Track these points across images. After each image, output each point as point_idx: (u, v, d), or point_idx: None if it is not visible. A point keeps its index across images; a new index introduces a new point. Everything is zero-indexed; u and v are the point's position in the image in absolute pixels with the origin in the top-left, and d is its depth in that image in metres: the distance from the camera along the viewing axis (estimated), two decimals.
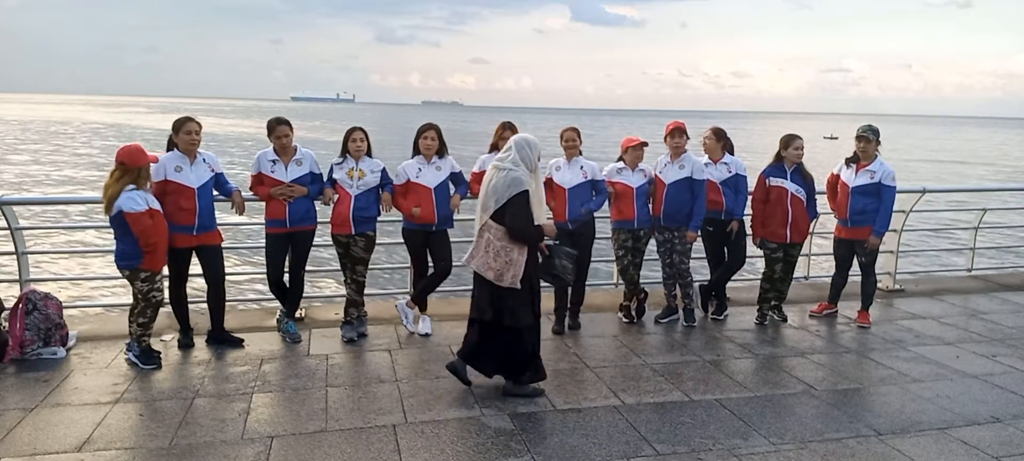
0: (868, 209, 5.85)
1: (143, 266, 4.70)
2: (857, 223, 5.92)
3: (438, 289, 5.75)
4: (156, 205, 4.70)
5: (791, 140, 5.93)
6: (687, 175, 5.71)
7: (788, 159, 5.89)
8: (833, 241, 6.29)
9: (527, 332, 4.37)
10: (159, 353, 4.93)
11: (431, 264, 5.63)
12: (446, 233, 5.60)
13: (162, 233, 4.71)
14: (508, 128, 5.68)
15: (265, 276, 5.52)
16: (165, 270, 4.98)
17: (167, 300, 5.06)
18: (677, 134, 5.78)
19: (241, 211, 5.39)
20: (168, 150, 5.06)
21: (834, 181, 6.18)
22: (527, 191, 4.15)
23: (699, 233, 5.85)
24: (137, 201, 4.57)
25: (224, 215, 5.53)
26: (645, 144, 5.82)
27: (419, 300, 5.68)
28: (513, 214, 4.12)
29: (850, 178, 5.95)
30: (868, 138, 5.88)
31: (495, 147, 5.67)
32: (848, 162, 6.04)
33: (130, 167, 4.60)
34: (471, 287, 4.49)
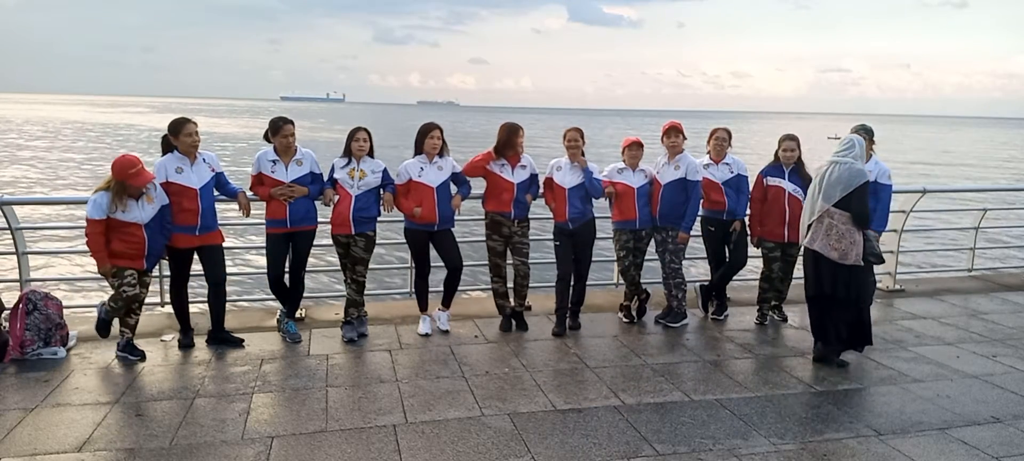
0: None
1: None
2: None
3: (431, 289, 5.74)
4: (133, 217, 4.68)
5: (783, 140, 5.95)
6: (682, 176, 5.71)
7: (782, 159, 5.90)
8: None
9: (863, 304, 5.05)
10: (140, 353, 4.94)
11: (441, 265, 5.63)
12: (451, 232, 5.60)
13: (117, 239, 4.72)
14: (521, 129, 5.67)
15: (266, 276, 5.52)
16: (163, 269, 4.99)
17: (167, 299, 5.05)
18: (673, 134, 5.78)
19: (247, 212, 5.40)
20: (164, 153, 5.06)
21: None
22: (868, 181, 4.85)
23: (691, 234, 5.85)
24: (98, 208, 4.64)
25: (223, 218, 5.53)
26: (639, 143, 5.83)
27: (445, 301, 5.73)
28: (859, 200, 4.79)
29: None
30: (863, 138, 5.89)
31: (510, 146, 5.61)
32: None
33: (113, 177, 4.66)
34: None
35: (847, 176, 4.83)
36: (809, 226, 5.06)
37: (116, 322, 4.98)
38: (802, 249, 5.21)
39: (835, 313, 5.03)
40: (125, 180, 4.63)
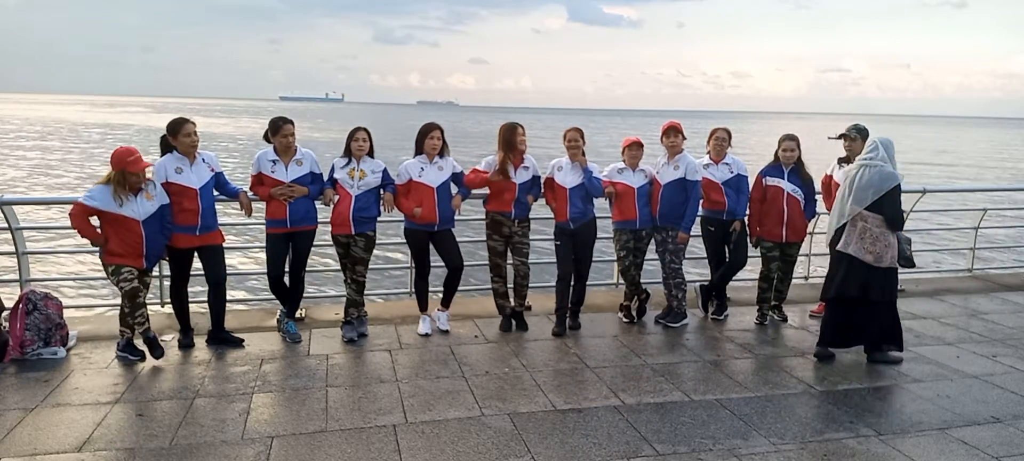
0: None
1: (104, 260, 4.77)
2: None
3: (431, 290, 5.74)
4: (126, 211, 4.67)
5: (782, 140, 5.95)
6: (681, 176, 5.71)
7: (781, 159, 5.91)
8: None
9: (894, 305, 5.12)
10: (140, 354, 4.92)
11: (441, 265, 5.63)
12: (451, 232, 5.60)
13: (115, 237, 4.70)
14: (520, 126, 5.67)
15: (265, 276, 5.52)
16: (163, 269, 4.99)
17: (167, 299, 5.05)
18: (672, 134, 5.78)
19: (249, 212, 5.40)
20: (162, 153, 5.06)
21: (828, 181, 6.18)
22: (900, 184, 4.88)
23: (690, 234, 5.85)
24: (91, 197, 4.65)
25: (223, 218, 5.52)
26: (639, 143, 5.83)
27: (444, 301, 5.73)
28: (892, 203, 4.85)
29: (841, 178, 5.96)
30: (853, 137, 5.91)
31: (511, 147, 5.58)
32: (840, 162, 6.06)
33: (113, 168, 4.68)
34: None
35: (878, 179, 4.85)
36: (840, 230, 5.08)
37: (120, 321, 4.94)
38: (833, 252, 5.20)
39: (865, 316, 5.04)
40: (125, 168, 4.63)
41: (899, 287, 7.23)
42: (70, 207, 4.77)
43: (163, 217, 4.89)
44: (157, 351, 4.83)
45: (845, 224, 5.03)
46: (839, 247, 5.08)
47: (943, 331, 6.00)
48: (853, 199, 4.93)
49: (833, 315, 5.17)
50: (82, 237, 4.73)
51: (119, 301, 4.85)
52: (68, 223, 4.77)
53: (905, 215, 7.25)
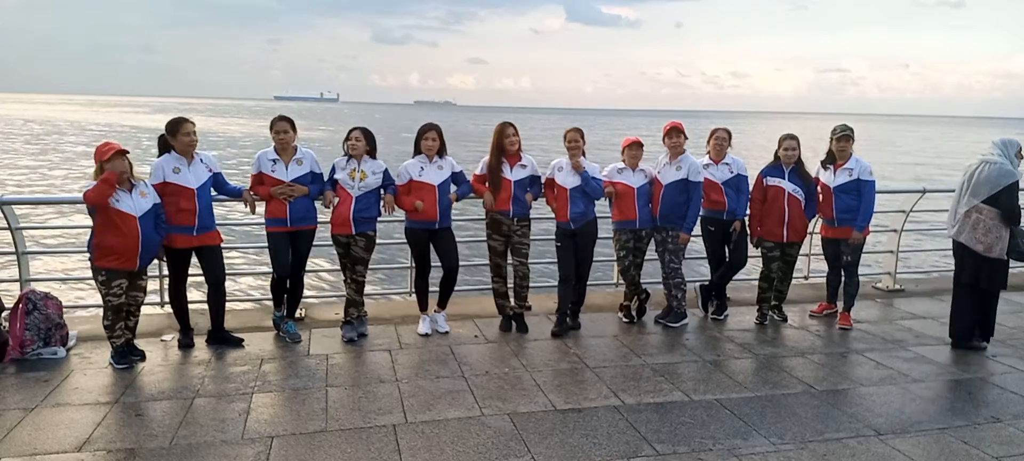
0: (853, 207, 5.84)
1: (94, 261, 4.67)
2: (843, 222, 5.90)
3: (431, 289, 5.74)
4: (123, 205, 4.60)
5: (783, 140, 5.95)
6: (683, 176, 5.71)
7: (782, 159, 5.91)
8: (821, 240, 6.29)
9: (996, 296, 5.45)
10: (140, 353, 4.90)
11: (439, 265, 5.63)
12: (450, 231, 5.60)
13: (111, 234, 4.60)
14: (509, 126, 5.67)
15: (264, 274, 5.51)
16: (160, 271, 4.96)
17: (167, 299, 5.03)
18: (674, 134, 5.78)
19: (253, 209, 5.39)
20: (161, 153, 5.05)
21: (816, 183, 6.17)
22: (1018, 180, 5.16)
23: (692, 235, 5.85)
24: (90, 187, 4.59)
25: (222, 219, 5.51)
26: (639, 143, 5.83)
27: (441, 302, 5.73)
28: (1009, 198, 5.12)
29: (830, 179, 5.94)
30: (848, 137, 5.90)
31: (500, 148, 5.61)
32: (824, 163, 6.04)
33: (95, 164, 4.65)
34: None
35: (995, 175, 5.14)
36: (956, 219, 5.36)
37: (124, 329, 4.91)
38: (950, 241, 5.48)
39: (975, 302, 5.38)
40: (103, 159, 4.59)
41: (899, 287, 7.26)
42: (63, 207, 4.72)
43: (157, 216, 4.85)
44: (123, 362, 4.77)
45: (962, 214, 5.29)
46: (953, 235, 5.40)
47: (943, 331, 5.98)
48: (970, 193, 5.24)
49: (963, 300, 5.48)
50: (104, 198, 4.53)
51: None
52: (68, 223, 4.76)
53: (904, 215, 7.29)
